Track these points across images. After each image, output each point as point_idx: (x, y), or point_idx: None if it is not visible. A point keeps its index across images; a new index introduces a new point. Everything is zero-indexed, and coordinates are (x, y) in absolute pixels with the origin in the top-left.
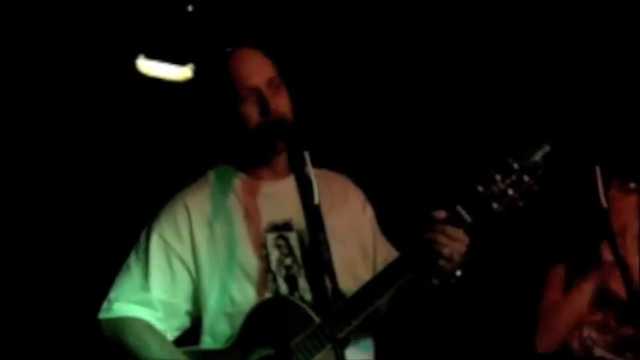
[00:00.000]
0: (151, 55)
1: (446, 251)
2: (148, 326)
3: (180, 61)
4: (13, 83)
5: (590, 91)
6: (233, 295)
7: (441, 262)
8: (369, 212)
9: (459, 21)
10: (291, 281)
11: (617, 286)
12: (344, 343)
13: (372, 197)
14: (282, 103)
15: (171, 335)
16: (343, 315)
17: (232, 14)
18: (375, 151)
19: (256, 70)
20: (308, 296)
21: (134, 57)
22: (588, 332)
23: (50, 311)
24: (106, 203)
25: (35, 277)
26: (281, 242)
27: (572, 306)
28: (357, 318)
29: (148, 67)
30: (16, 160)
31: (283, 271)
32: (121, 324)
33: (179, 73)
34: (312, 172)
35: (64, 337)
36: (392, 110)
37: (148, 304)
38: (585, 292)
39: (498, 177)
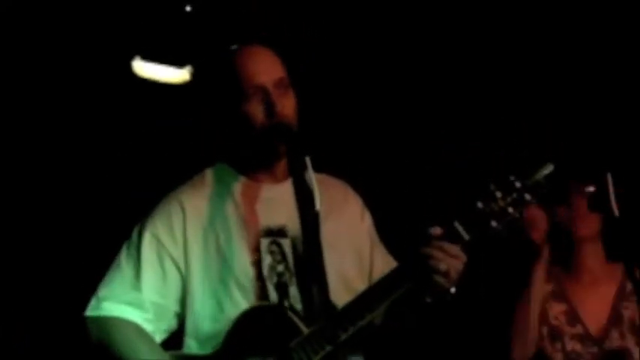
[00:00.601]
0: (148, 57)
1: (442, 267)
2: (137, 329)
3: (177, 62)
4: (9, 84)
5: (590, 94)
6: (221, 299)
7: (436, 279)
8: (368, 220)
9: (460, 23)
10: (282, 289)
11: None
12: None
13: (372, 204)
14: (288, 106)
15: (159, 337)
16: (333, 328)
17: (232, 14)
18: (375, 155)
19: (265, 68)
20: (298, 305)
21: (130, 58)
22: (572, 345)
23: (50, 311)
24: (103, 205)
25: (35, 278)
26: (274, 248)
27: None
28: (347, 331)
29: (144, 68)
30: (12, 161)
31: (275, 278)
32: (109, 324)
33: (176, 75)
34: (313, 177)
35: (63, 337)
36: (391, 112)
37: (138, 304)
38: (526, 298)
39: (499, 194)
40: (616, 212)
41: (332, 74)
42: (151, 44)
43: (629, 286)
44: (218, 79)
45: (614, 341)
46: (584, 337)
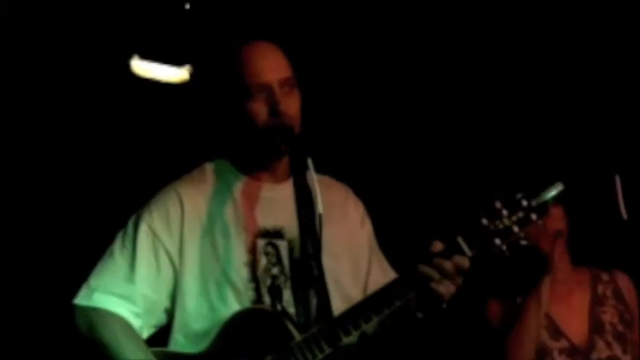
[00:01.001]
0: (146, 56)
1: (439, 290)
2: (124, 325)
3: (176, 61)
4: (7, 83)
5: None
6: (213, 299)
7: (432, 297)
8: (368, 226)
9: (467, 28)
10: (275, 292)
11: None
12: None
13: (375, 209)
14: (293, 106)
15: (147, 332)
16: (334, 331)
17: (231, 13)
18: (382, 161)
19: (271, 66)
20: (291, 309)
21: (128, 57)
22: None
23: (38, 300)
24: (99, 205)
25: (34, 277)
26: (270, 250)
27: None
28: (347, 335)
29: (142, 68)
30: (10, 159)
31: (268, 281)
32: (98, 316)
33: (175, 74)
34: (315, 179)
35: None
36: (399, 116)
37: (128, 297)
38: (534, 310)
39: (505, 212)
40: (624, 215)
41: (339, 75)
42: (149, 43)
43: (600, 289)
44: (222, 76)
45: (602, 351)
46: (572, 351)
